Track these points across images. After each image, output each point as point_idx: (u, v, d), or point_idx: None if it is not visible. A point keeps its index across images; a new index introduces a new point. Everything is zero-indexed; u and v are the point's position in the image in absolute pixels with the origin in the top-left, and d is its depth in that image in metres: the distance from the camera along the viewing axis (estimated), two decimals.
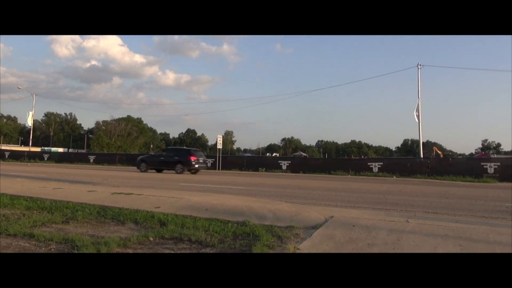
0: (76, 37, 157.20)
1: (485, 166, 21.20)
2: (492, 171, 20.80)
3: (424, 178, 21.14)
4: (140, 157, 25.48)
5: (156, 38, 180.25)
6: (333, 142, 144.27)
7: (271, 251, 3.85)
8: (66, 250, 3.89)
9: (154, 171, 22.86)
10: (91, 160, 37.28)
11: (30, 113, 48.58)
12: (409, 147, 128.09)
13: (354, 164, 26.88)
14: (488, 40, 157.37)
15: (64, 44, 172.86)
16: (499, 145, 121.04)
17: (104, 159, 37.12)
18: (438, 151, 48.87)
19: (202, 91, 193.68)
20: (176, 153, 23.70)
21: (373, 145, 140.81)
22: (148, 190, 9.47)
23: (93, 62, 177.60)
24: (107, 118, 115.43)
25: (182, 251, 3.91)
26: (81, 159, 39.24)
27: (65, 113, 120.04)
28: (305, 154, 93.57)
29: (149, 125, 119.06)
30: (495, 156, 60.75)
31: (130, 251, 3.85)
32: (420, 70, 29.01)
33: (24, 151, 44.85)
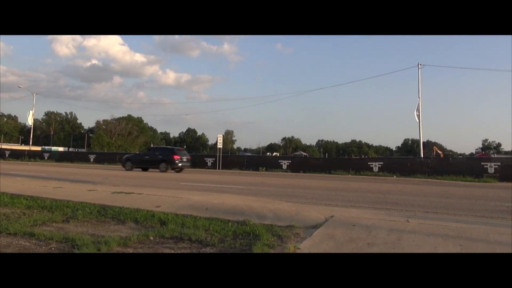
0: (77, 36, 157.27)
1: (485, 166, 21.19)
2: (493, 171, 20.79)
3: (425, 178, 21.14)
4: (126, 156, 26.05)
5: (156, 37, 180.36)
6: (333, 141, 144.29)
7: (272, 251, 3.85)
8: (67, 249, 3.89)
9: (139, 169, 23.35)
10: (92, 159, 37.30)
11: (31, 112, 48.60)
12: (409, 146, 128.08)
13: (355, 164, 26.87)
14: (488, 40, 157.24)
15: (65, 43, 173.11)
16: (499, 145, 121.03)
17: (105, 159, 37.11)
18: (439, 151, 48.85)
19: (203, 91, 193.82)
20: (160, 152, 24.23)
21: (374, 145, 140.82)
22: (148, 189, 9.47)
23: (94, 61, 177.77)
24: (108, 117, 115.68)
25: (183, 251, 3.91)
26: (82, 158, 39.26)
27: (65, 112, 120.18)
28: (305, 154, 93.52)
29: (149, 125, 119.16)
30: (496, 156, 60.72)
31: (131, 250, 3.86)
32: (420, 69, 29.00)
33: (24, 150, 44.87)
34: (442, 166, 23.03)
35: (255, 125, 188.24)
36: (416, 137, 32.91)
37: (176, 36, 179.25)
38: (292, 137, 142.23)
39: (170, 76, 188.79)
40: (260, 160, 33.74)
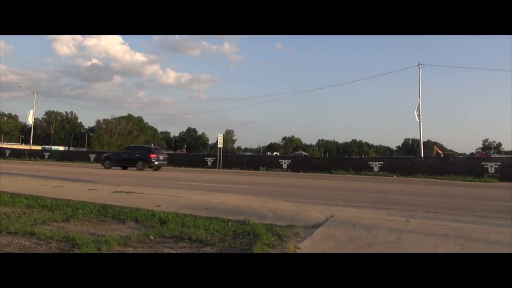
0: (77, 36, 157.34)
1: (485, 166, 21.18)
2: (493, 170, 20.77)
3: (425, 178, 21.14)
4: (105, 154, 27.05)
5: (157, 37, 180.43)
6: (333, 141, 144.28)
7: (272, 250, 3.85)
8: (67, 248, 3.89)
9: (118, 168, 24.12)
10: (92, 159, 37.29)
11: (31, 111, 48.63)
12: (409, 146, 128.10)
13: (355, 164, 26.86)
14: (489, 40, 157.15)
15: (65, 43, 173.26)
16: (499, 144, 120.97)
17: None
18: (439, 151, 48.85)
19: (203, 90, 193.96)
20: (138, 151, 24.78)
21: (374, 145, 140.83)
22: (149, 188, 9.47)
23: (94, 61, 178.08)
24: (108, 116, 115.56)
25: (183, 250, 3.91)
26: (82, 157, 39.26)
27: (66, 112, 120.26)
28: (305, 153, 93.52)
29: (149, 124, 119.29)
30: (496, 155, 60.71)
31: (131, 249, 3.86)
32: (421, 69, 28.98)
33: (25, 150, 44.89)
34: (442, 166, 23.03)
35: (255, 125, 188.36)
36: (417, 137, 32.91)
37: (177, 36, 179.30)
38: (293, 136, 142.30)
39: (171, 76, 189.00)
40: (260, 159, 33.75)
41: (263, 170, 27.52)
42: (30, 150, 44.43)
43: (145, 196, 7.55)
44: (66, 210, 6.02)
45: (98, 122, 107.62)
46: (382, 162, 25.04)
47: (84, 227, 5.01)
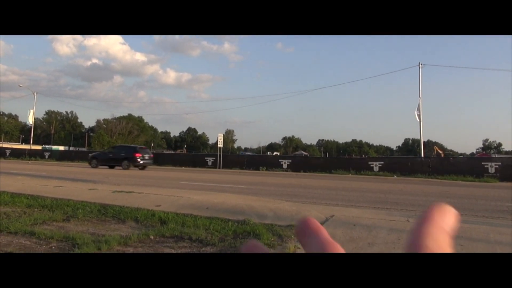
0: (77, 36, 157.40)
1: (486, 166, 21.15)
2: (493, 170, 20.75)
3: (425, 178, 21.12)
4: (92, 154, 27.70)
5: (157, 36, 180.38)
6: (334, 141, 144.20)
7: (272, 250, 3.85)
8: (67, 248, 3.90)
9: (105, 167, 24.53)
10: None
11: (31, 111, 48.62)
12: (410, 146, 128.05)
13: (355, 163, 26.83)
14: (489, 40, 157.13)
15: (65, 43, 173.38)
16: (500, 144, 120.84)
17: None
18: (439, 151, 48.85)
19: (203, 90, 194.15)
20: (123, 151, 25.13)
21: (374, 144, 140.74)
22: (149, 188, 9.47)
23: (94, 61, 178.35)
24: (108, 116, 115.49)
25: (183, 250, 3.91)
26: (82, 157, 39.20)
27: (66, 111, 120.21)
28: (305, 153, 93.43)
29: (150, 124, 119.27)
30: (496, 155, 60.68)
31: (131, 249, 3.86)
32: (421, 69, 28.97)
33: (25, 149, 44.87)
34: (442, 166, 22.99)
35: (255, 125, 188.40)
36: (417, 137, 32.92)
37: (177, 36, 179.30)
38: (293, 136, 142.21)
39: (171, 76, 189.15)
40: (260, 159, 33.70)
41: (263, 170, 27.52)
42: (30, 150, 44.42)
43: (145, 196, 7.55)
44: (66, 209, 6.03)
45: (98, 122, 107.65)
46: (382, 162, 25.01)
47: (84, 226, 5.01)
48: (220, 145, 31.39)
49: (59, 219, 5.36)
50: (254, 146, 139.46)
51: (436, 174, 21.61)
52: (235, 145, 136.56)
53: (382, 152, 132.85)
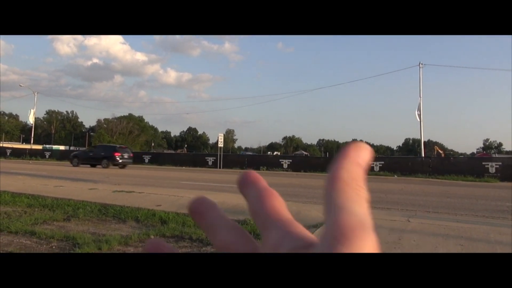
0: (78, 36, 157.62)
1: (486, 166, 21.14)
2: (494, 170, 20.73)
3: (425, 178, 21.12)
4: (73, 153, 28.70)
5: (157, 36, 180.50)
6: (334, 141, 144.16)
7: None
8: (68, 248, 3.90)
9: (87, 166, 25.03)
10: None
11: (32, 111, 48.65)
12: (410, 146, 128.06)
13: None
14: (490, 40, 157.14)
15: (66, 42, 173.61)
16: (500, 144, 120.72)
17: None
18: (440, 150, 48.83)
19: (203, 90, 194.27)
20: (103, 150, 25.65)
21: (374, 144, 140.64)
22: (149, 188, 9.48)
23: (95, 60, 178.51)
24: (109, 116, 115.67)
25: (183, 250, 3.92)
26: None
27: (66, 111, 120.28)
28: (306, 153, 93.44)
29: (150, 123, 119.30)
30: (497, 155, 60.64)
31: (131, 249, 3.86)
32: (421, 69, 28.98)
33: (25, 149, 44.91)
34: (443, 165, 22.98)
35: (255, 124, 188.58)
36: (417, 137, 32.92)
37: (177, 36, 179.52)
38: (293, 136, 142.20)
39: (171, 75, 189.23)
40: (260, 159, 33.73)
41: (263, 170, 27.52)
42: (31, 149, 44.46)
43: (145, 195, 7.55)
44: (67, 209, 6.03)
45: (99, 121, 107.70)
46: (382, 162, 25.04)
47: (85, 226, 5.01)
48: (221, 145, 31.39)
49: (59, 219, 5.37)
50: (255, 146, 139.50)
51: (437, 174, 21.61)
52: (236, 145, 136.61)
53: (383, 152, 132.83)
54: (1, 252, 3.76)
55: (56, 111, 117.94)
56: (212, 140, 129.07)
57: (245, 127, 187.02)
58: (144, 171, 21.52)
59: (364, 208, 0.24)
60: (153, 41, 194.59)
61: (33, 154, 41.38)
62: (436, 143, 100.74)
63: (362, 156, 0.25)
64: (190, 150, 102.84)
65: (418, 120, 28.50)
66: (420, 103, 28.58)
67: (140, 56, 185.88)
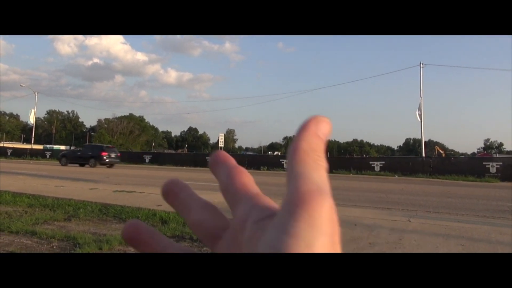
0: (78, 35, 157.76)
1: (487, 166, 21.11)
2: (494, 170, 20.71)
3: (426, 178, 21.11)
4: (62, 152, 29.73)
5: (158, 36, 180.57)
6: (335, 141, 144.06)
7: None
8: (68, 248, 3.90)
9: (76, 165, 25.38)
10: None
11: (32, 110, 48.70)
12: (411, 146, 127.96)
13: (356, 163, 26.81)
14: (491, 40, 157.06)
15: (66, 42, 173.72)
16: (501, 144, 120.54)
17: None
18: (440, 150, 48.80)
19: (204, 89, 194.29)
20: (91, 149, 26.08)
21: (375, 144, 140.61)
22: (150, 188, 9.49)
23: (95, 60, 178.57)
24: (109, 116, 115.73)
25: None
26: None
27: (67, 111, 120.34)
28: None
29: (151, 123, 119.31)
30: (497, 155, 60.58)
31: (132, 249, 3.86)
32: (422, 69, 28.96)
33: (26, 149, 44.93)
34: (443, 165, 22.96)
35: (256, 124, 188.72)
36: (418, 137, 32.92)
37: (178, 35, 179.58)
38: (294, 136, 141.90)
39: (172, 75, 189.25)
40: (261, 159, 33.72)
41: (264, 170, 27.52)
42: (31, 149, 44.48)
43: (146, 195, 7.56)
44: (67, 209, 6.04)
45: (99, 121, 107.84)
46: (383, 162, 25.00)
47: (85, 226, 5.01)
48: (221, 144, 31.43)
49: (60, 219, 5.37)
50: (255, 146, 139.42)
51: (437, 174, 21.59)
52: (236, 145, 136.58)
53: (383, 152, 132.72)
54: (2, 252, 3.76)
55: (57, 111, 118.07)
56: (212, 140, 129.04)
57: (245, 127, 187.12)
58: (144, 171, 21.53)
59: (322, 176, 0.25)
60: (154, 41, 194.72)
61: (33, 154, 41.39)
62: (436, 143, 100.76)
63: (321, 129, 0.26)
64: (190, 150, 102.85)
65: (419, 120, 28.48)
66: (420, 103, 28.57)
67: (140, 56, 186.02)
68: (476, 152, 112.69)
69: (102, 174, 17.40)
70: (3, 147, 47.69)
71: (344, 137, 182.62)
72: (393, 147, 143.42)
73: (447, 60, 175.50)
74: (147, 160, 33.69)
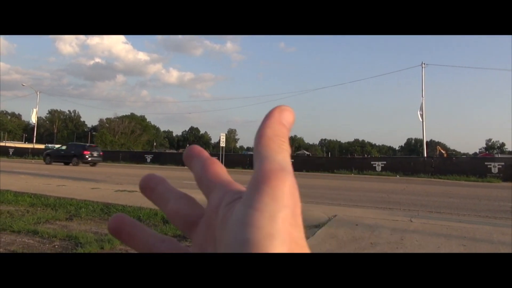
0: (80, 35, 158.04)
1: (489, 166, 21.07)
2: (496, 170, 20.66)
3: (428, 178, 21.07)
4: (46, 151, 30.21)
5: (159, 36, 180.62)
6: (336, 140, 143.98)
7: None
8: (70, 247, 3.91)
9: (60, 163, 25.82)
10: None
11: (34, 110, 48.79)
12: (412, 146, 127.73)
13: (357, 163, 26.78)
14: (492, 40, 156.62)
15: (68, 42, 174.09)
16: (503, 144, 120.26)
17: (108, 157, 37.15)
18: (442, 150, 48.71)
19: (205, 89, 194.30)
20: (74, 148, 26.44)
21: (377, 144, 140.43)
22: None
23: (97, 60, 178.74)
24: (111, 115, 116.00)
25: None
26: None
27: (68, 111, 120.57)
28: (308, 153, 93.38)
29: (152, 123, 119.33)
30: (499, 155, 60.42)
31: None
32: (424, 68, 28.91)
33: (28, 148, 45.01)
34: (445, 165, 22.91)
35: (257, 124, 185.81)
36: (419, 137, 32.87)
37: (179, 35, 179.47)
38: (295, 136, 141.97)
39: (173, 75, 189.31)
40: None
41: None
42: (33, 148, 44.55)
43: None
44: (69, 209, 6.05)
45: (101, 121, 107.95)
46: (384, 162, 24.97)
47: (87, 226, 5.02)
48: (223, 144, 31.38)
49: (62, 218, 5.38)
50: None
51: (439, 174, 21.55)
52: (238, 145, 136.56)
53: (385, 152, 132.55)
54: (4, 251, 3.77)
55: (59, 110, 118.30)
56: (214, 140, 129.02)
57: (247, 126, 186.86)
58: (146, 171, 21.51)
59: (285, 158, 0.26)
60: (155, 40, 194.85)
61: (35, 153, 41.44)
62: (438, 143, 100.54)
63: (285, 117, 0.28)
64: None
65: (421, 120, 28.44)
66: (422, 103, 28.52)
67: (142, 56, 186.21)
68: (478, 152, 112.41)
69: (104, 173, 17.42)
70: (5, 146, 47.77)
71: (345, 137, 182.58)
72: (394, 147, 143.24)
73: (449, 60, 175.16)
74: (148, 160, 33.73)
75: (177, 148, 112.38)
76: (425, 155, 28.31)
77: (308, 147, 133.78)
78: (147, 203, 6.55)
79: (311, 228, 4.93)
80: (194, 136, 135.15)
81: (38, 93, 50.74)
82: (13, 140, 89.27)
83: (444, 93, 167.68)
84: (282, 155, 0.26)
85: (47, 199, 6.86)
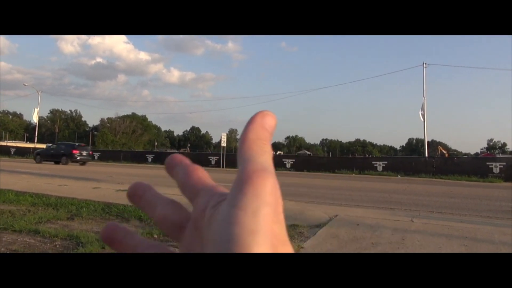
0: (82, 35, 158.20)
1: (490, 166, 21.03)
2: (498, 171, 20.62)
3: (429, 178, 21.05)
4: (36, 151, 30.59)
5: (160, 36, 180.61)
6: (337, 140, 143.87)
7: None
8: (71, 247, 3.92)
9: (50, 162, 26.10)
10: (96, 157, 37.42)
11: (36, 109, 48.86)
12: (413, 146, 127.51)
13: (359, 163, 26.76)
14: (493, 39, 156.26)
15: (70, 41, 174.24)
16: (504, 144, 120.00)
17: (109, 156, 37.23)
18: (443, 150, 48.58)
19: (207, 89, 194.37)
20: (63, 147, 26.63)
21: (378, 144, 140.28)
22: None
23: (98, 60, 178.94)
24: (112, 115, 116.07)
25: None
26: None
27: (70, 110, 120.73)
28: (309, 153, 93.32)
29: (153, 123, 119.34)
30: (501, 155, 60.25)
31: None
32: (425, 69, 28.88)
33: (29, 148, 45.07)
34: (446, 165, 22.88)
35: None
36: (421, 137, 32.80)
37: (180, 35, 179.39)
38: (296, 136, 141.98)
39: (175, 75, 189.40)
40: None
41: None
42: (34, 148, 44.60)
43: None
44: (70, 208, 6.06)
45: (102, 120, 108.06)
46: (386, 162, 24.95)
47: (88, 225, 5.03)
48: (224, 144, 31.39)
49: (63, 218, 5.39)
50: None
51: (440, 174, 21.52)
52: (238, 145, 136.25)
53: (386, 151, 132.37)
54: (6, 250, 3.78)
55: (60, 110, 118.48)
56: (215, 140, 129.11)
57: None
58: (147, 170, 21.58)
59: (267, 159, 0.28)
60: (157, 40, 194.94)
61: None
62: (439, 143, 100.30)
63: (267, 121, 0.30)
64: (193, 149, 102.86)
65: (422, 120, 28.41)
66: (424, 103, 28.49)
67: (143, 55, 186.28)
68: (479, 152, 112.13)
69: (105, 173, 17.44)
70: (6, 146, 47.90)
71: (346, 137, 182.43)
72: (395, 147, 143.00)
73: (450, 60, 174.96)
74: (149, 160, 33.76)
75: (178, 148, 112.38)
76: (427, 155, 28.26)
77: (309, 147, 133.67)
78: None
79: (312, 228, 4.93)
80: (195, 136, 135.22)
81: (39, 93, 50.82)
82: (14, 139, 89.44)
83: (446, 93, 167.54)
84: (264, 157, 0.28)
85: (48, 199, 6.87)
